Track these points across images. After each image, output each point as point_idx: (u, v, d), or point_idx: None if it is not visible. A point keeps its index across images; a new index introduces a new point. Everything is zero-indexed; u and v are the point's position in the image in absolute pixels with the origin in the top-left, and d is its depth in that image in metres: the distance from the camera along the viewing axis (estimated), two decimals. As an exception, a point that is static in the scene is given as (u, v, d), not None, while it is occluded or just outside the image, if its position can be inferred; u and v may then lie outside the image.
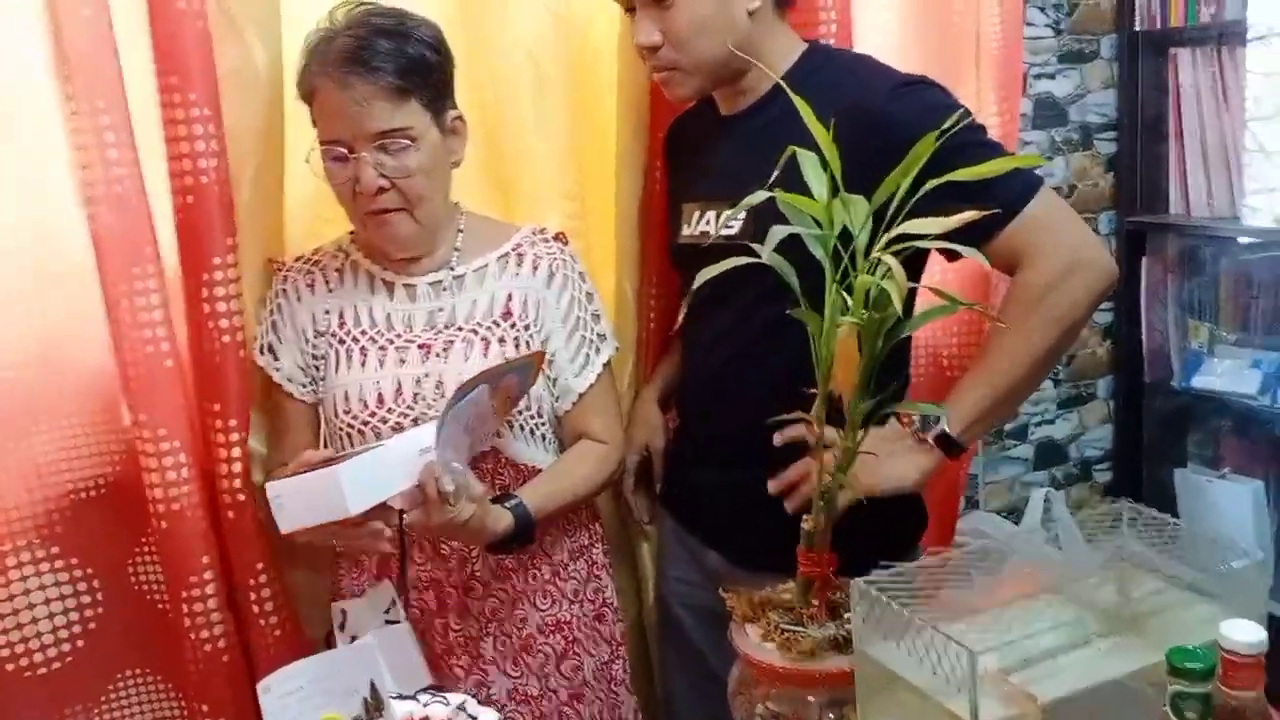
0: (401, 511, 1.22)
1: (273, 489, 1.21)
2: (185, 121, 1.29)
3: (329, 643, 1.40)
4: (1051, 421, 2.73)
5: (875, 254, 0.91)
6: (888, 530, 1.26)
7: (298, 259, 1.46)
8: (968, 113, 1.21)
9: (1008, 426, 2.64)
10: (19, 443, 1.34)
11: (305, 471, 1.21)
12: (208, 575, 1.38)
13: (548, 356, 1.43)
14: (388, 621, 1.32)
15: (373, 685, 0.98)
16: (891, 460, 1.24)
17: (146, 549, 1.45)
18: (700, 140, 1.49)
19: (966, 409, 1.25)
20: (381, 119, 1.27)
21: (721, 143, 1.43)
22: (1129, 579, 1.00)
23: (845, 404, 0.97)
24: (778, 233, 0.94)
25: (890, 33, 1.84)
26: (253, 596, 1.43)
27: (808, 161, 0.97)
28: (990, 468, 2.64)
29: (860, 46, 1.78)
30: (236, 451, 1.39)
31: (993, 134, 1.80)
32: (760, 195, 0.96)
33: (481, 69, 1.53)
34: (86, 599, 1.42)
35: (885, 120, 1.20)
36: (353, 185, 1.30)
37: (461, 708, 0.99)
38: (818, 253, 0.95)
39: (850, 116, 1.05)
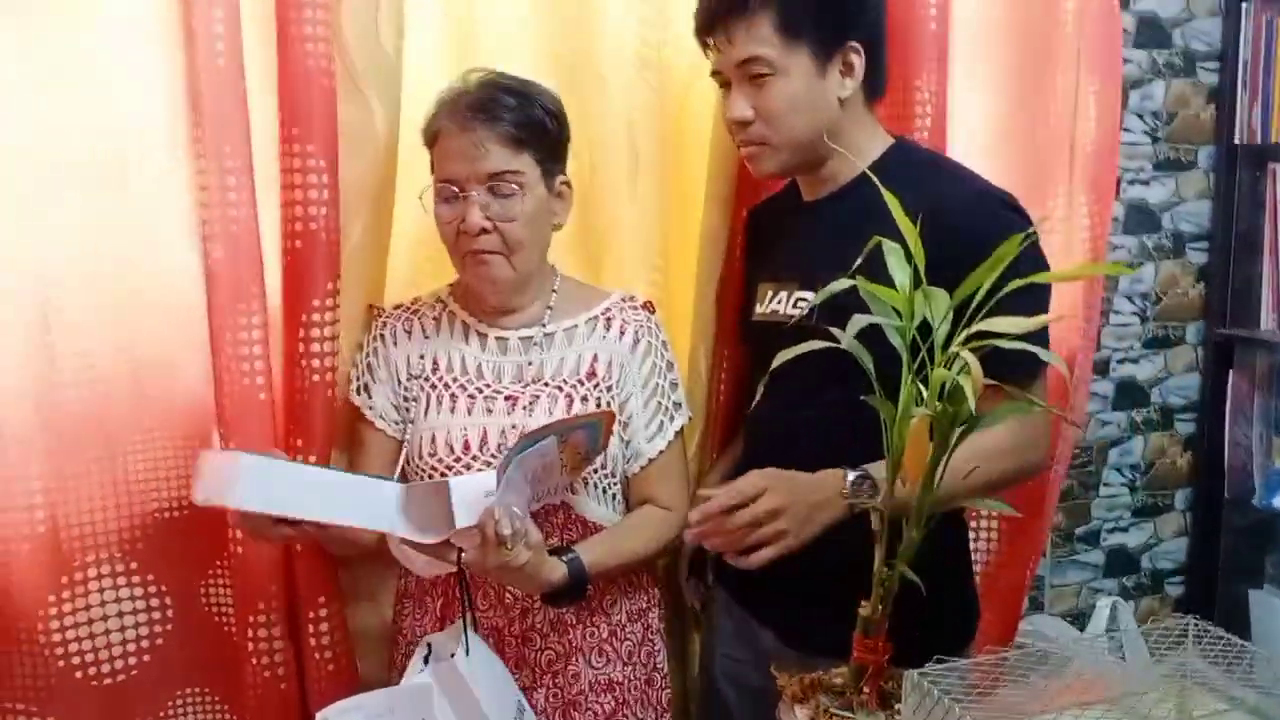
0: (461, 551, 1.26)
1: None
2: (302, 170, 1.36)
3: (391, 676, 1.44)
4: (1125, 529, 2.67)
5: (954, 348, 0.93)
6: (942, 625, 1.25)
7: (397, 306, 1.53)
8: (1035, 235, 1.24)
9: (1079, 530, 2.60)
10: (112, 461, 1.41)
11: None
12: (274, 604, 1.42)
13: (624, 419, 1.47)
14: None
15: None
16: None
17: (220, 572, 1.50)
18: (781, 223, 1.53)
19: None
20: (495, 161, 1.35)
21: (801, 227, 1.46)
22: (1190, 697, 0.98)
23: (913, 495, 0.98)
24: (859, 321, 0.96)
25: (985, 130, 1.86)
26: (311, 629, 1.46)
27: (893, 252, 0.99)
28: (1058, 571, 2.58)
29: (954, 143, 1.81)
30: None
31: (1082, 236, 1.83)
32: (843, 283, 0.98)
33: (581, 138, 1.59)
34: (157, 615, 1.48)
35: (960, 227, 1.21)
36: (457, 225, 1.37)
37: None
38: (896, 342, 0.97)
39: (929, 217, 1.07)
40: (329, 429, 1.45)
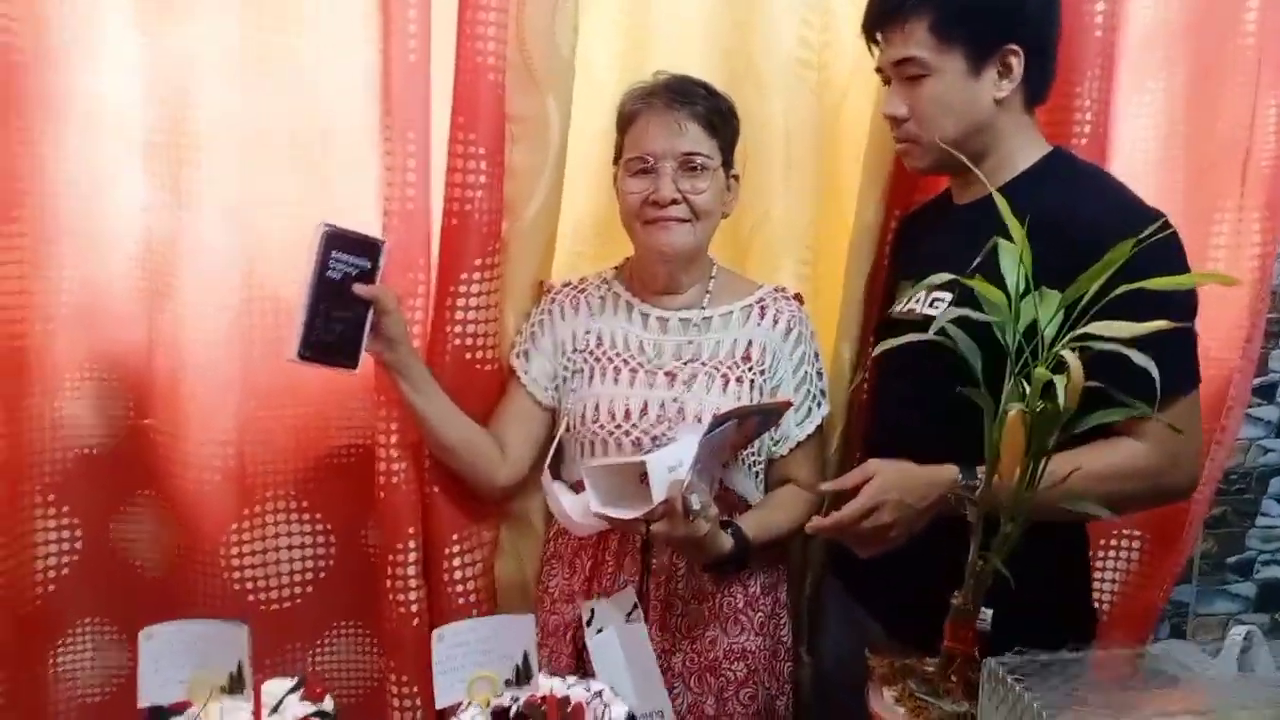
0: (648, 523, 1.35)
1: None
2: (463, 156, 1.50)
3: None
4: (1280, 562, 2.54)
5: (1059, 349, 0.96)
6: (1053, 632, 1.25)
7: (565, 283, 1.65)
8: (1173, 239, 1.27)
9: (1230, 559, 2.49)
10: (295, 408, 1.58)
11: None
12: (412, 545, 1.54)
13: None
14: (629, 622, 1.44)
15: (525, 655, 1.10)
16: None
17: (376, 513, 1.62)
18: (930, 224, 1.57)
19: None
20: (691, 141, 1.49)
21: (947, 228, 1.50)
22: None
23: (1006, 490, 1.01)
24: (950, 313, 1.01)
25: (1148, 141, 1.83)
26: (445, 566, 1.59)
27: (1007, 252, 1.03)
28: (1204, 600, 2.48)
29: (1116, 155, 1.79)
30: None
31: (1253, 252, 1.79)
32: (944, 276, 1.02)
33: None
34: (322, 550, 1.63)
35: (1100, 241, 1.13)
36: (645, 196, 1.49)
37: (599, 694, 1.09)
38: (1004, 339, 1.01)
39: (1070, 227, 1.08)
40: (461, 390, 1.55)
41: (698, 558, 1.44)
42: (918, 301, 1.47)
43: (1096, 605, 1.89)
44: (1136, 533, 1.89)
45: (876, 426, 1.59)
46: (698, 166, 1.49)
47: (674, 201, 1.48)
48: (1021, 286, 1.00)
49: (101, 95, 1.47)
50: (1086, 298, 0.97)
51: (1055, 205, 1.25)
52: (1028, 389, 0.97)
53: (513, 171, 1.56)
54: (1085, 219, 1.28)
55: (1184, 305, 1.31)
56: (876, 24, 1.44)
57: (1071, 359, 0.92)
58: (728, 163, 1.55)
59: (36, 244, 1.46)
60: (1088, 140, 1.67)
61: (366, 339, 1.37)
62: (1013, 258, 1.00)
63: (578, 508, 1.42)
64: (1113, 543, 1.91)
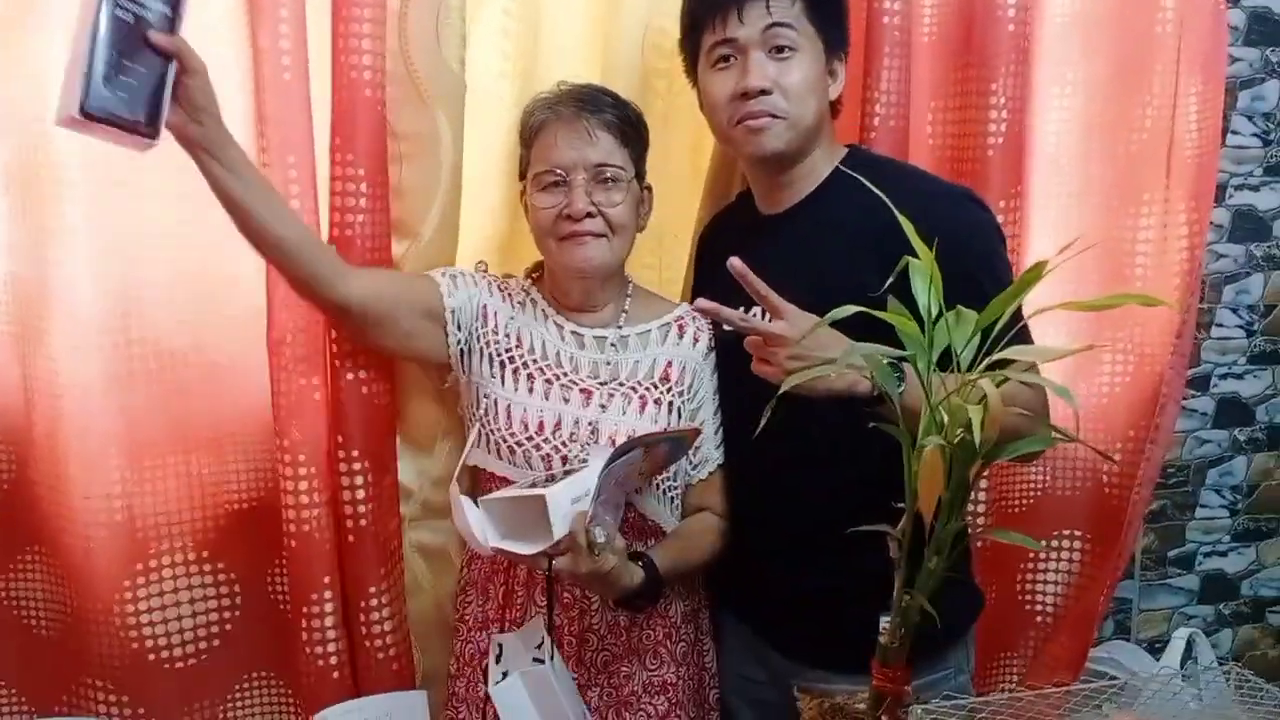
0: (550, 557, 1.28)
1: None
2: (342, 178, 1.41)
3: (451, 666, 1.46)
4: (1224, 554, 2.53)
5: (974, 377, 0.90)
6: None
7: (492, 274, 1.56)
8: (1000, 232, 1.38)
9: (1171, 553, 2.48)
10: (185, 455, 1.49)
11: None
12: (327, 594, 1.46)
13: (696, 424, 1.50)
14: (534, 660, 1.37)
15: None
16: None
17: (284, 562, 1.54)
18: (740, 239, 1.47)
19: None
20: (604, 152, 1.42)
21: (764, 242, 1.44)
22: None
23: (928, 524, 0.96)
24: (859, 349, 0.95)
25: (1070, 134, 1.80)
26: (362, 619, 1.50)
27: (918, 275, 0.97)
28: (1147, 595, 2.47)
29: (1037, 149, 1.77)
30: (359, 480, 1.47)
31: (1180, 244, 1.76)
32: (849, 310, 0.96)
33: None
34: (226, 602, 1.55)
35: (929, 228, 1.12)
36: (558, 210, 1.41)
37: None
38: (920, 370, 0.95)
39: (891, 226, 1.04)
40: (366, 426, 1.48)
41: (606, 593, 1.37)
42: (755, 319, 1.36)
43: (1039, 609, 1.89)
44: (1077, 533, 1.86)
45: (751, 454, 1.48)
46: (610, 179, 1.42)
47: (589, 215, 1.41)
48: (935, 310, 0.94)
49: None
50: (1001, 321, 0.91)
51: (872, 201, 1.13)
52: (945, 419, 0.92)
53: (403, 191, 1.48)
54: (913, 209, 1.16)
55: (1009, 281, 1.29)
56: None
57: (991, 390, 0.86)
58: (640, 174, 1.48)
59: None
60: (1004, 139, 1.64)
61: (167, 101, 1.12)
62: (924, 280, 0.94)
63: (480, 529, 1.34)
64: (1053, 543, 1.88)
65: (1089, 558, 1.86)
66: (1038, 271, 0.91)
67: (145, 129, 1.09)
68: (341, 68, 1.38)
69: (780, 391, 0.94)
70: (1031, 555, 1.88)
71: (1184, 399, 2.23)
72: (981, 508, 1.80)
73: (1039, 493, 1.87)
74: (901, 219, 0.95)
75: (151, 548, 1.48)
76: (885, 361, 1.03)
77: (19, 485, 1.50)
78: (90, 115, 1.03)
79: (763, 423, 0.96)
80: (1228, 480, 2.51)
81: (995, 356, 0.91)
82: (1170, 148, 1.77)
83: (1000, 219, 1.65)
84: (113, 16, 1.04)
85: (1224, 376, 2.45)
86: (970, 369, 0.93)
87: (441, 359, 1.49)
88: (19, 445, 1.48)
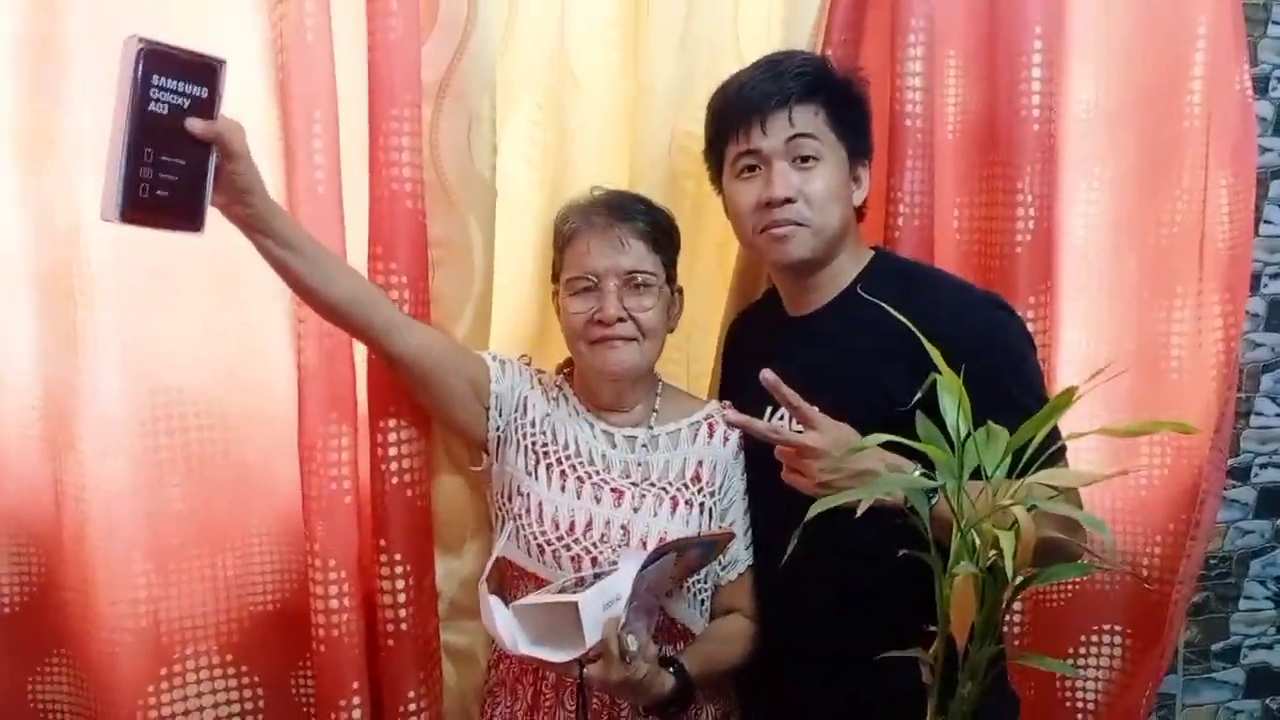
0: (581, 665, 1.26)
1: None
2: (385, 287, 1.41)
3: None
4: (1269, 646, 2.46)
5: (1007, 503, 0.89)
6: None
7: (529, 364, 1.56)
8: (1029, 337, 1.38)
9: (1215, 646, 2.41)
10: (211, 557, 1.50)
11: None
12: (356, 700, 1.44)
13: (726, 525, 1.48)
14: None
15: None
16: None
17: (309, 665, 1.54)
18: (767, 340, 1.50)
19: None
20: (635, 259, 1.43)
21: (792, 344, 1.44)
22: None
23: (961, 648, 0.93)
24: (897, 480, 0.93)
25: (1100, 229, 1.80)
26: None
27: (947, 393, 0.95)
28: (1191, 689, 2.40)
29: (1068, 243, 1.78)
30: (400, 584, 1.46)
31: (1215, 336, 1.75)
32: (881, 438, 0.95)
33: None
34: (250, 705, 1.54)
35: (954, 334, 1.13)
36: (590, 315, 1.42)
37: None
38: (950, 495, 0.93)
39: (920, 328, 1.03)
40: (413, 528, 1.48)
41: (637, 701, 1.35)
42: (783, 422, 1.36)
43: (1080, 707, 1.84)
44: (1117, 628, 1.82)
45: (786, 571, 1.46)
46: (642, 284, 1.43)
47: (620, 320, 1.42)
48: (964, 431, 0.92)
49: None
50: (1034, 444, 0.89)
51: (900, 306, 1.11)
52: (977, 543, 0.90)
53: (437, 296, 1.50)
54: (939, 314, 1.22)
55: (1040, 388, 1.35)
56: (759, 106, 1.38)
57: (1022, 515, 0.84)
58: (671, 278, 1.49)
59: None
60: (1033, 235, 1.64)
61: (209, 191, 1.09)
62: (952, 400, 0.92)
63: (509, 634, 1.32)
64: (1094, 638, 1.84)
65: (1130, 654, 1.82)
66: (1067, 398, 0.89)
67: (186, 225, 1.07)
68: (381, 180, 1.40)
69: (805, 519, 0.92)
70: (1072, 652, 1.83)
71: (1224, 489, 2.18)
72: (1018, 604, 1.76)
73: (1077, 588, 1.84)
74: (929, 345, 0.94)
75: (176, 652, 1.47)
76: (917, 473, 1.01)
77: (47, 589, 1.50)
78: (127, 220, 1.02)
79: (788, 552, 0.94)
80: (1271, 571, 2.44)
81: (1028, 480, 0.89)
82: (1202, 240, 1.76)
83: (1030, 314, 1.66)
84: (145, 111, 1.01)
85: (1265, 466, 2.40)
86: (1002, 490, 0.91)
87: (479, 435, 1.49)
88: (48, 548, 1.49)
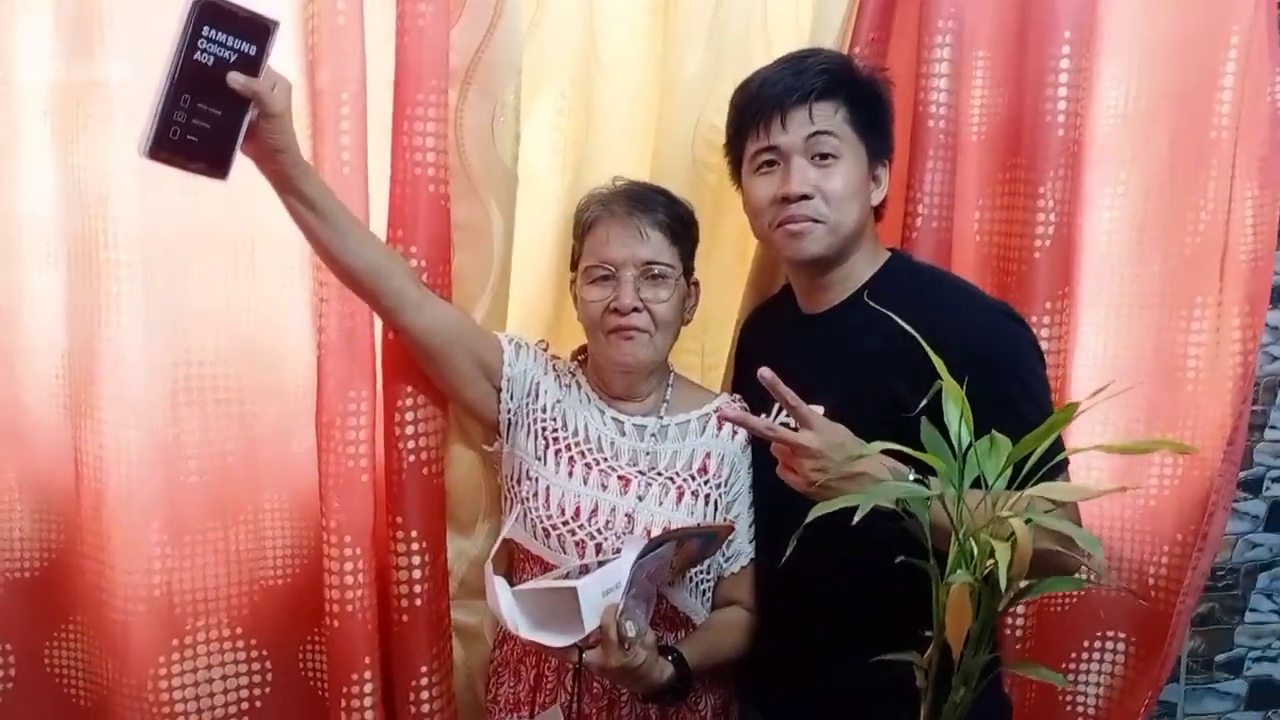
0: (580, 650, 1.28)
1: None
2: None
3: None
4: (1273, 659, 2.45)
5: (1005, 514, 0.89)
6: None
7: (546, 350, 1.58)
8: (1038, 348, 1.39)
9: (1220, 657, 2.41)
10: (225, 531, 1.51)
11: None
12: (368, 675, 1.46)
13: (730, 518, 1.50)
14: None
15: None
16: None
17: (317, 640, 1.57)
18: (781, 336, 1.51)
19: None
20: (654, 250, 1.44)
21: (803, 341, 1.45)
22: None
23: (956, 655, 0.94)
24: (901, 488, 0.94)
25: (1122, 235, 1.78)
26: (412, 698, 1.50)
27: (951, 401, 0.96)
28: (1193, 699, 2.40)
29: (1089, 249, 1.76)
30: (416, 560, 1.48)
31: (1234, 348, 1.74)
32: (880, 446, 0.96)
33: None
34: (258, 678, 1.56)
35: (964, 341, 1.17)
36: (606, 304, 1.43)
37: None
38: (950, 501, 0.94)
39: (931, 332, 1.04)
40: (428, 505, 1.50)
41: (635, 687, 1.36)
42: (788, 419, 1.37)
43: (1080, 712, 1.84)
44: (1121, 635, 1.83)
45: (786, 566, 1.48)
46: (659, 275, 1.45)
47: (635, 309, 1.43)
48: (966, 440, 0.93)
49: (15, 206, 1.43)
50: (1035, 456, 0.90)
51: (912, 309, 1.15)
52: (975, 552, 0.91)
53: (457, 278, 1.51)
54: (950, 320, 1.24)
55: (1045, 401, 1.35)
56: (779, 102, 1.39)
57: (1020, 529, 0.85)
58: (688, 270, 1.50)
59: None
60: (1053, 240, 1.63)
61: (239, 144, 1.13)
62: (956, 408, 0.93)
63: (511, 618, 1.34)
64: (1096, 645, 1.84)
65: (1133, 661, 1.82)
66: (1068, 413, 0.90)
67: (212, 172, 1.11)
68: (405, 163, 1.41)
69: (805, 522, 0.94)
70: (1074, 658, 1.83)
71: (1235, 501, 2.18)
72: (1020, 607, 1.77)
73: (1082, 594, 1.83)
74: (930, 352, 0.94)
75: (188, 624, 1.50)
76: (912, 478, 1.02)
77: (65, 554, 1.53)
78: (155, 157, 1.07)
79: (787, 553, 0.95)
80: (1278, 585, 2.44)
81: (1028, 493, 0.90)
82: (1225, 251, 1.74)
83: (1047, 320, 1.66)
84: (190, 60, 1.05)
85: (1277, 480, 2.39)
86: (1001, 502, 0.92)
87: (490, 416, 1.51)
88: (68, 516, 1.51)
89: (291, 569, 1.57)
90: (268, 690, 1.56)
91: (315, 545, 1.52)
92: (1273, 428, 2.35)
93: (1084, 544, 0.83)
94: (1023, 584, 0.90)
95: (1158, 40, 1.73)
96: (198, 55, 1.06)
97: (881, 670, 1.05)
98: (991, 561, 0.90)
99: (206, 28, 1.06)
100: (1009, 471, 0.93)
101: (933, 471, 0.97)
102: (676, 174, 1.63)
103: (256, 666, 1.55)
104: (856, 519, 0.87)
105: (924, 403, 0.99)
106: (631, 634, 1.25)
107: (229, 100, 1.09)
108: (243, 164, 1.16)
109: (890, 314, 1.08)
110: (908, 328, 0.99)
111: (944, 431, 0.97)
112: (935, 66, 1.60)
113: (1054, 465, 0.94)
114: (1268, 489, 2.39)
